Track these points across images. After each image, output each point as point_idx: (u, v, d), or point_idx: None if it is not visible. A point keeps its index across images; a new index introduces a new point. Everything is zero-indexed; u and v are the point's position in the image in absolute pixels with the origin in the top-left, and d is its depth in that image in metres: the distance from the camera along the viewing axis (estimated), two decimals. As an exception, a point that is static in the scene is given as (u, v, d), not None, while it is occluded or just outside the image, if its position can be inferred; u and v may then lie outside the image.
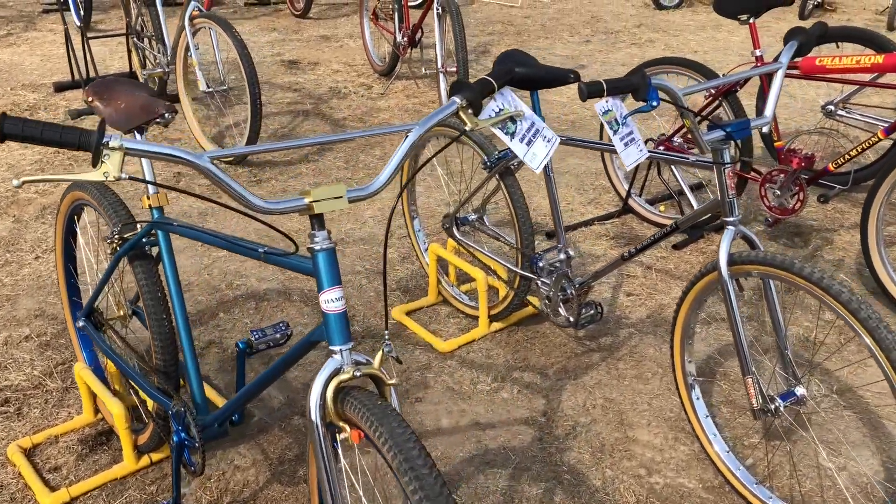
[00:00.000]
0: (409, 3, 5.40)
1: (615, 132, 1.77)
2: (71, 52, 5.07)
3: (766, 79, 3.27)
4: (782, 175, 3.22)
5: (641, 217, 3.85)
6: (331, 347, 1.42)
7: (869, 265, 3.04)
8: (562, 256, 2.54)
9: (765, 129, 1.94)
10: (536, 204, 3.99)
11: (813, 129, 4.52)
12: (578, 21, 8.21)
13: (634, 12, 8.83)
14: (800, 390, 2.01)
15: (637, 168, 3.80)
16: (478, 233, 3.06)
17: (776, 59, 2.01)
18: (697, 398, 2.28)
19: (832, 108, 4.13)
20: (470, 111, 1.48)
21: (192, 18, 4.27)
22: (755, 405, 1.99)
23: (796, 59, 3.22)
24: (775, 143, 3.27)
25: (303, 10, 7.83)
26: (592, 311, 2.61)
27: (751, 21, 3.27)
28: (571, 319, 2.57)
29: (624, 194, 3.86)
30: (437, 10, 4.75)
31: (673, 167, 3.75)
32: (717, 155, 1.93)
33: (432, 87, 5.78)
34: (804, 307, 3.10)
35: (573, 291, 2.52)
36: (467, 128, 1.47)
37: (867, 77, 3.51)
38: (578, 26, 7.96)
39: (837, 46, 3.92)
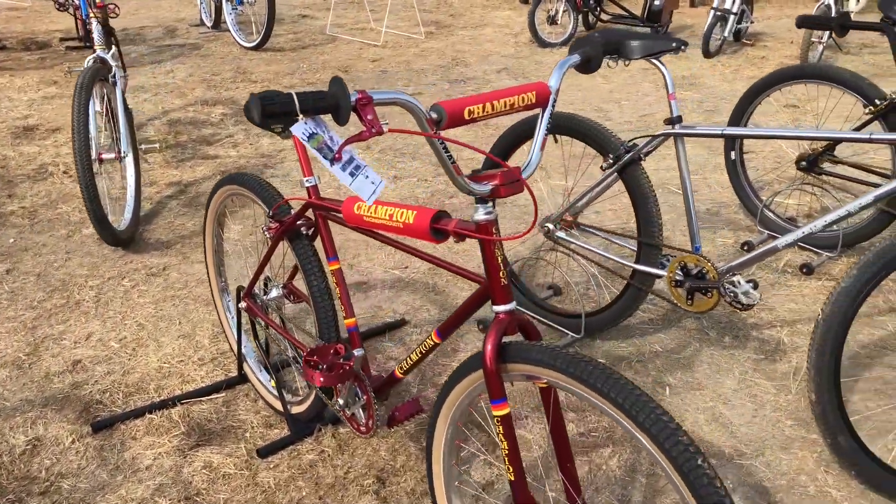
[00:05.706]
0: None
1: None
2: None
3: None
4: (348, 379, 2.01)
5: (258, 393, 2.65)
6: None
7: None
8: None
9: None
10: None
11: (535, 255, 3.28)
12: (432, 65, 7.04)
13: (512, 51, 7.65)
14: None
15: (240, 319, 2.62)
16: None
17: None
18: None
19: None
20: None
21: None
22: None
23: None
24: (346, 321, 2.06)
25: (102, 57, 6.75)
26: None
27: (293, 135, 2.08)
28: None
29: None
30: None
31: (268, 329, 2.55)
32: None
33: (160, 166, 4.64)
34: None
35: None
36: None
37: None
38: (428, 72, 6.79)
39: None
